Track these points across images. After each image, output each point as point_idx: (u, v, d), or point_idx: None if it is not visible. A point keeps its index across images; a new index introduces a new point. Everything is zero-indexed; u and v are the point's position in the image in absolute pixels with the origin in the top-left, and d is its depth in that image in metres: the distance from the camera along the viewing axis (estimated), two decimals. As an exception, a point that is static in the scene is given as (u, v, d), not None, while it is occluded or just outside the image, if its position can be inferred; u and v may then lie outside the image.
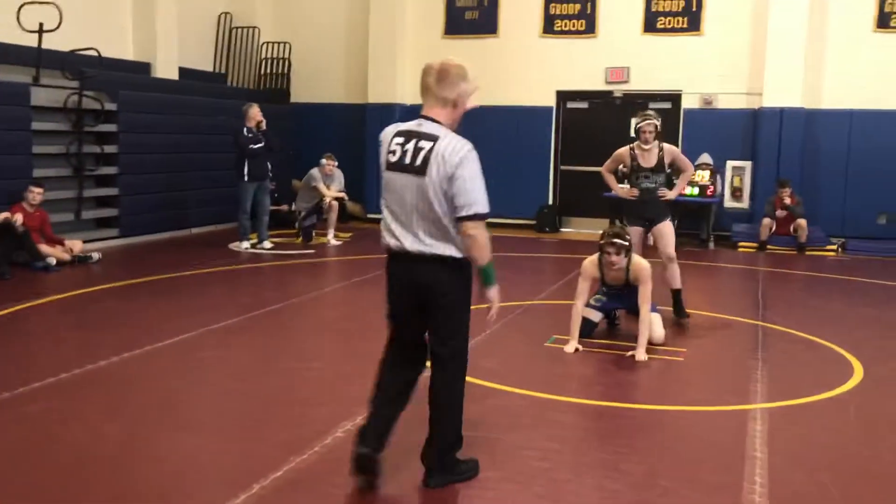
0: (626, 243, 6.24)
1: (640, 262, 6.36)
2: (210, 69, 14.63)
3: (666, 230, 7.19)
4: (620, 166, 7.47)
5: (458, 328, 3.66)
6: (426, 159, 3.43)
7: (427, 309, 3.61)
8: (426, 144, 3.45)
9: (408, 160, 3.47)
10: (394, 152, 3.53)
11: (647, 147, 7.13)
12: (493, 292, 3.62)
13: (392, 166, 3.54)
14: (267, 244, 11.05)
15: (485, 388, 5.19)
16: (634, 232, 7.11)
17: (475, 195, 3.43)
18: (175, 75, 13.02)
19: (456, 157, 3.42)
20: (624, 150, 7.33)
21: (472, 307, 3.69)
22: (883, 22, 12.54)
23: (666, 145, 7.29)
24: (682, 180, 7.38)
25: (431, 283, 3.54)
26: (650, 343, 6.23)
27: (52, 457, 4.03)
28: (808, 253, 12.03)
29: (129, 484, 3.78)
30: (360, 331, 6.80)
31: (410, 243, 3.52)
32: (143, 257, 10.36)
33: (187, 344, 6.20)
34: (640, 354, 6.06)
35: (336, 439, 4.24)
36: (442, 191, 3.42)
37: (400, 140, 3.53)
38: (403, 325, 3.74)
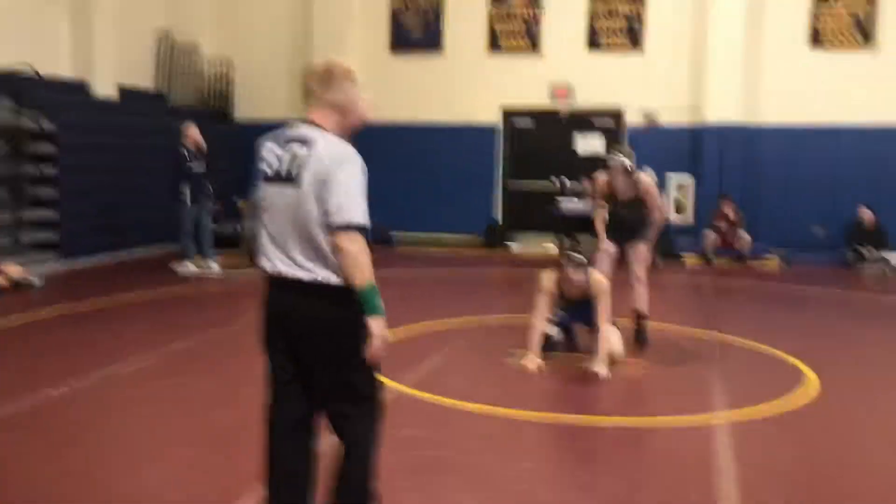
0: (584, 259, 6.27)
1: (598, 277, 6.40)
2: (150, 87, 14.31)
3: (639, 250, 7.10)
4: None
5: (354, 374, 2.99)
6: (301, 165, 2.92)
7: (307, 353, 3.00)
8: (301, 149, 2.94)
9: (282, 170, 2.97)
10: (268, 162, 3.04)
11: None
12: (376, 324, 2.90)
13: (265, 178, 3.04)
14: (214, 266, 10.81)
15: (453, 407, 5.13)
16: (609, 247, 7.10)
17: (350, 202, 2.86)
18: (114, 93, 12.69)
19: (335, 160, 2.89)
20: (604, 179, 7.14)
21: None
22: (816, 40, 12.99)
23: (643, 177, 7.07)
24: (651, 230, 7.13)
25: (311, 317, 2.95)
26: (610, 358, 6.25)
27: (2, 495, 3.82)
28: (751, 265, 12.32)
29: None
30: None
31: (287, 267, 2.95)
32: (86, 282, 10.01)
33: (141, 372, 5.98)
34: (601, 369, 6.07)
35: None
36: (317, 200, 2.88)
37: (275, 148, 3.03)
38: (284, 371, 3.08)
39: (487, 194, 14.35)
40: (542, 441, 4.77)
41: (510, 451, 4.47)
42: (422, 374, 5.82)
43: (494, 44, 14.16)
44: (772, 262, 12.50)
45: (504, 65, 14.13)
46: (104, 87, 12.47)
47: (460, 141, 14.28)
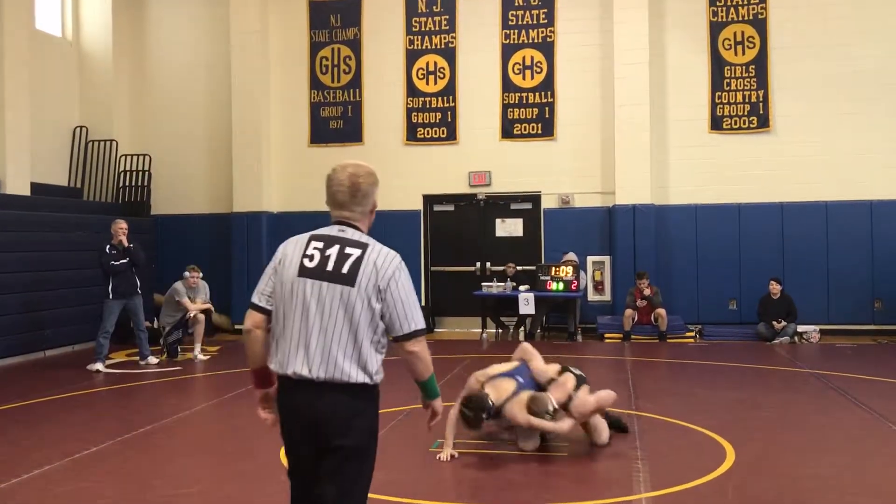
0: (484, 416, 6.10)
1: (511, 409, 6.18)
2: (65, 183, 14.11)
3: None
4: None
5: (358, 475, 3.11)
6: (355, 267, 3.08)
7: (325, 450, 3.07)
8: (354, 251, 3.11)
9: (330, 267, 3.09)
10: (311, 257, 3.12)
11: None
12: (438, 403, 3.41)
13: (308, 272, 3.10)
14: (152, 360, 10.82)
15: (380, 501, 5.06)
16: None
17: (412, 310, 3.17)
18: (27, 191, 12.46)
19: (389, 268, 3.12)
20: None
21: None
22: (716, 125, 13.74)
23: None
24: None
25: (334, 416, 3.05)
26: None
27: None
28: (669, 340, 12.63)
29: None
30: (238, 450, 6.51)
31: (316, 368, 3.05)
32: (-7, 385, 9.59)
33: (47, 478, 5.72)
34: (526, 445, 6.13)
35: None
36: (369, 304, 3.08)
37: (319, 245, 3.14)
38: (309, 477, 3.12)
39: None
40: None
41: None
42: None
43: (412, 134, 14.52)
44: (689, 338, 12.85)
45: (423, 154, 14.47)
46: (16, 185, 12.26)
47: (382, 228, 14.38)
